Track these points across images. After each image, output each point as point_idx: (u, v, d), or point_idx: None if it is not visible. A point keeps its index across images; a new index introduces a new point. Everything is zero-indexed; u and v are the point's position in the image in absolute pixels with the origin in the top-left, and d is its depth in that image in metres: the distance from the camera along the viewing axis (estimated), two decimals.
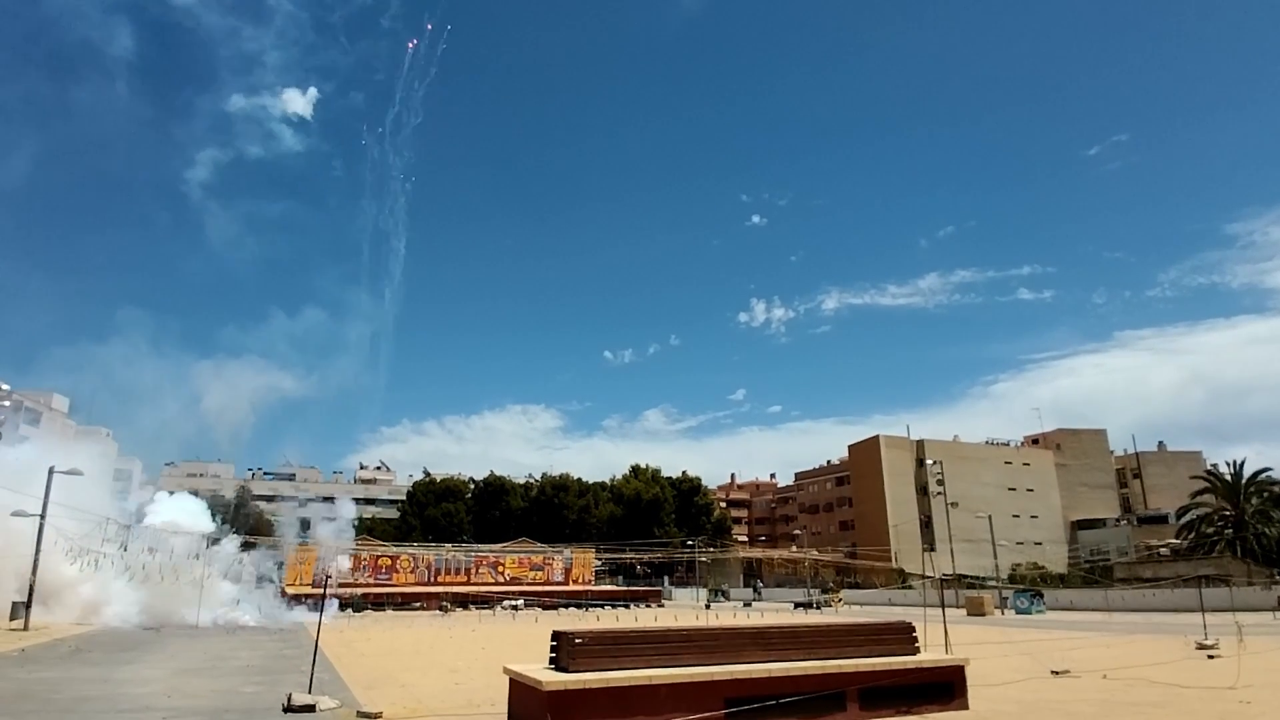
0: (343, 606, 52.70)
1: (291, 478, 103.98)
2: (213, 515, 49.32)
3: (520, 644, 23.97)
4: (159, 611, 36.87)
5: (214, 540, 44.40)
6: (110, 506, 40.65)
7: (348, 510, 64.23)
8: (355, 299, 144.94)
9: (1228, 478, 61.12)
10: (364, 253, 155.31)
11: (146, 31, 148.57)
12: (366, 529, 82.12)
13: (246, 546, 49.57)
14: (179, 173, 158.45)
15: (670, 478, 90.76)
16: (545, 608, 57.60)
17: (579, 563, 70.90)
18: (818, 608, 58.72)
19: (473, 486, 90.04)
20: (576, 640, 9.00)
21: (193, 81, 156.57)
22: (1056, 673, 14.51)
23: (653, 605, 66.53)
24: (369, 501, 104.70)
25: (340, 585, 58.12)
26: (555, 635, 9.42)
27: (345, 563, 60.71)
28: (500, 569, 67.92)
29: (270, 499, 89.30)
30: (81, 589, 36.15)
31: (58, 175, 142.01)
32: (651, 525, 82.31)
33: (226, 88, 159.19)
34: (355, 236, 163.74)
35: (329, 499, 74.14)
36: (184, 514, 45.40)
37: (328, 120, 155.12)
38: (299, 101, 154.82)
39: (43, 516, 31.99)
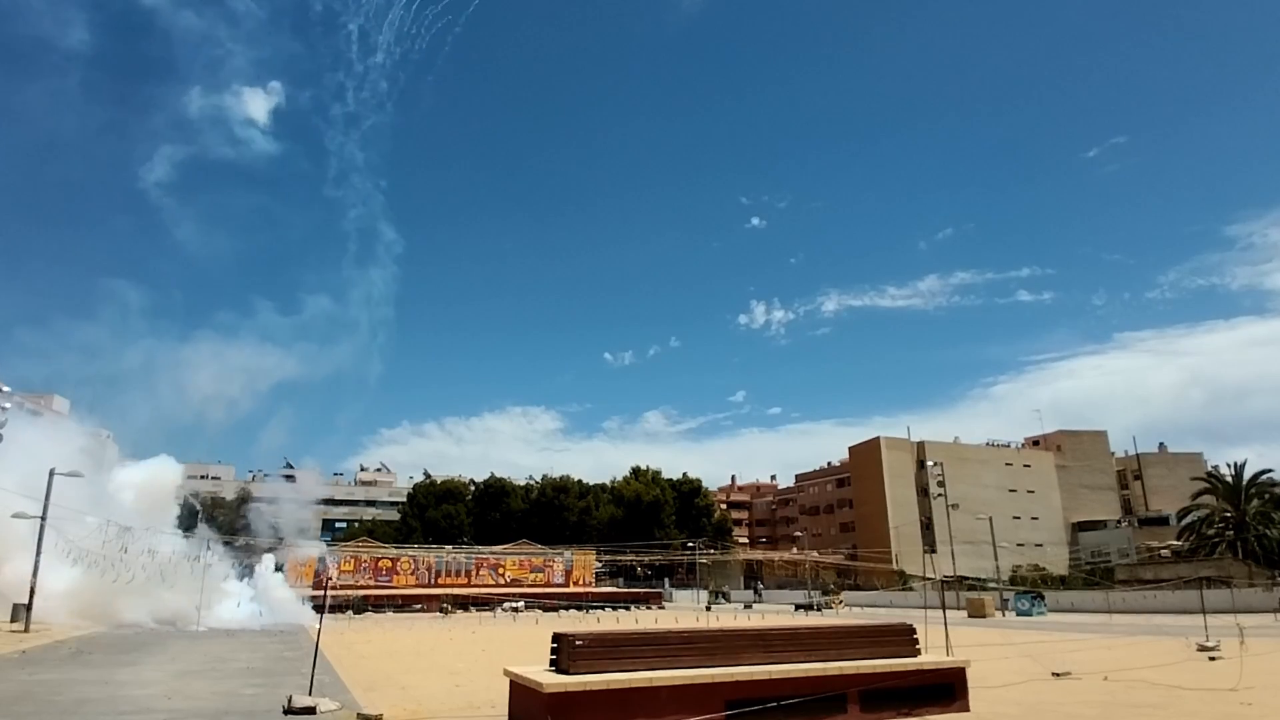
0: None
1: (292, 479, 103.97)
2: (184, 502, 48.39)
3: (520, 646, 23.96)
4: (96, 609, 34.74)
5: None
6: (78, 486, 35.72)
7: (313, 495, 63.39)
8: (348, 294, 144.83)
9: (1228, 479, 61.06)
10: (351, 247, 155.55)
11: (105, 25, 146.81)
12: (367, 531, 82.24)
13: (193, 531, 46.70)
14: (159, 170, 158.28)
15: (670, 479, 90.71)
16: (545, 610, 57.66)
17: (579, 565, 70.94)
18: (818, 609, 58.69)
19: (473, 488, 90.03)
20: (577, 642, 9.00)
21: (156, 77, 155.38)
22: (1057, 674, 14.51)
23: (653, 607, 66.51)
24: (370, 503, 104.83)
25: (340, 587, 58.08)
26: (555, 637, 9.41)
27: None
28: (500, 571, 67.94)
29: (270, 501, 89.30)
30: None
31: (18, 174, 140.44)
32: (652, 527, 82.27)
33: (193, 83, 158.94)
34: (343, 231, 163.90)
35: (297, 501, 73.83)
36: (142, 493, 42.77)
37: (300, 116, 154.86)
38: (262, 99, 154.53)
39: (43, 518, 31.98)
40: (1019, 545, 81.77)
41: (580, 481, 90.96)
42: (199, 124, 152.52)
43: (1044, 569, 75.11)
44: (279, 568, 57.84)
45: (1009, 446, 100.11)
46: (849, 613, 56.42)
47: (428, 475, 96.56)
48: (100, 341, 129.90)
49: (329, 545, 70.23)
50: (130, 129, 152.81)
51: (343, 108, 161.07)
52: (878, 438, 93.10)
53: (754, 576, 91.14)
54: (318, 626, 16.95)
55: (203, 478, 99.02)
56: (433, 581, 64.98)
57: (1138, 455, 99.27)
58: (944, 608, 27.85)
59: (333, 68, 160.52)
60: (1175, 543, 65.74)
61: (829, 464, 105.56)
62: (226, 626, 36.04)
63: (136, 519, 39.14)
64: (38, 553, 31.72)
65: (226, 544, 49.71)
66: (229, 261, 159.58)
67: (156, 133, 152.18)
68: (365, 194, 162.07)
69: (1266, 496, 59.06)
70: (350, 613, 52.32)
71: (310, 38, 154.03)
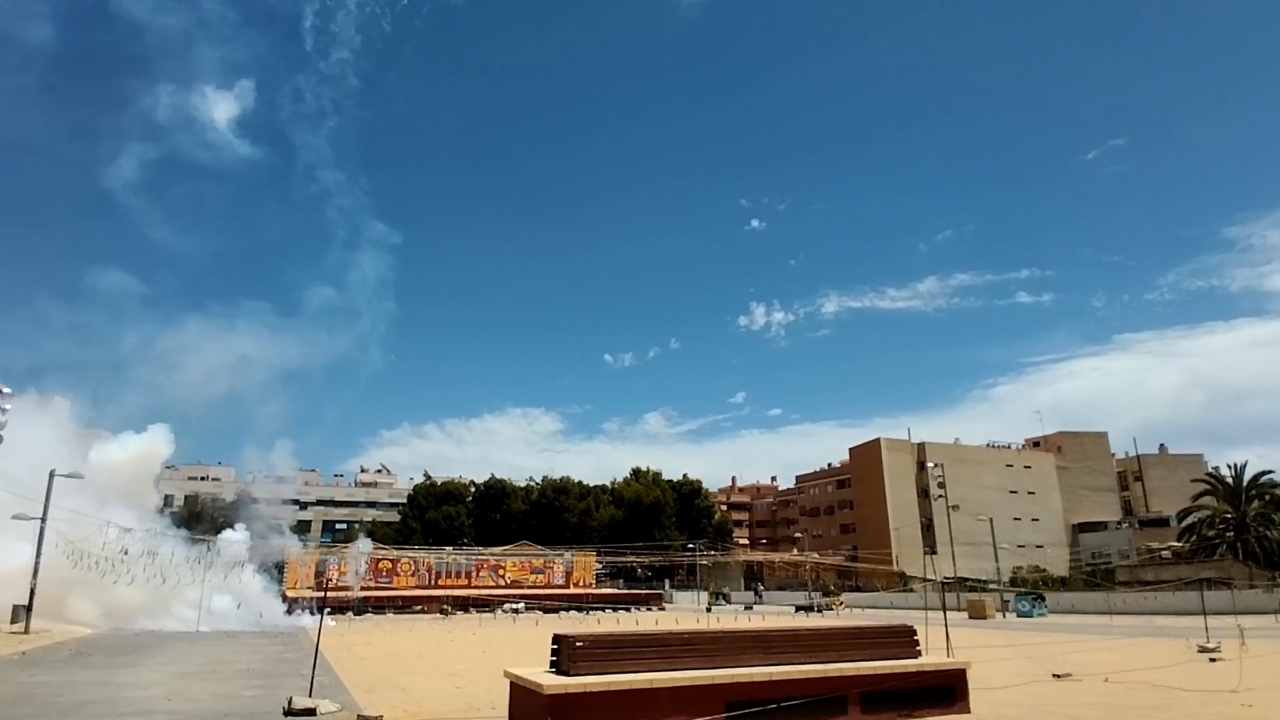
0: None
1: (287, 479, 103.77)
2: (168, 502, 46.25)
3: (521, 647, 23.94)
4: (43, 604, 31.55)
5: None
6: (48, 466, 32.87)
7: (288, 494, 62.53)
8: (347, 285, 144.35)
9: (1229, 480, 61.00)
10: (349, 241, 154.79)
11: (72, 21, 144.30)
12: (367, 532, 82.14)
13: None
14: (127, 170, 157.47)
15: (671, 481, 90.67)
16: (546, 611, 57.61)
17: (580, 566, 70.86)
18: (819, 611, 58.65)
19: (473, 489, 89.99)
20: (577, 644, 8.99)
21: (125, 75, 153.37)
22: (1058, 676, 14.50)
23: (653, 608, 66.53)
24: (370, 505, 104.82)
25: (340, 588, 57.98)
26: (556, 638, 9.41)
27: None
28: (501, 572, 67.88)
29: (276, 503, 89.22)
30: None
31: None
32: (652, 528, 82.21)
33: (164, 81, 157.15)
34: (340, 225, 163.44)
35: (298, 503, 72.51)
36: (121, 473, 39.99)
37: (290, 116, 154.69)
38: (239, 99, 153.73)
39: (43, 520, 31.93)
40: (1019, 547, 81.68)
41: (580, 483, 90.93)
42: (170, 123, 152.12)
43: (1044, 570, 75.04)
44: (280, 568, 58.00)
45: (1009, 448, 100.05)
46: (849, 614, 56.36)
47: (428, 476, 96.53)
48: (88, 333, 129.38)
49: (329, 547, 70.18)
50: (99, 127, 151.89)
51: (336, 108, 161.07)
52: (878, 439, 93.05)
53: (754, 578, 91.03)
54: (318, 628, 16.96)
55: (203, 479, 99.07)
56: (433, 583, 64.90)
57: (1138, 456, 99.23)
58: (944, 609, 27.84)
59: (327, 69, 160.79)
60: (1176, 544, 65.63)
61: (829, 465, 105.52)
62: (190, 628, 35.09)
63: (110, 502, 37.10)
64: (38, 554, 31.64)
65: (197, 541, 46.36)
66: (224, 257, 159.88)
67: (125, 131, 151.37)
68: (364, 193, 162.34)
69: (1267, 498, 58.99)
70: (350, 614, 52.24)
71: (303, 37, 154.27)
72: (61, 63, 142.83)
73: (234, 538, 47.30)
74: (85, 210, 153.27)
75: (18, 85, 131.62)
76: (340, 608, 52.44)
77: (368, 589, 60.94)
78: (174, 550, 40.59)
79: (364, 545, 59.40)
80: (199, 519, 65.34)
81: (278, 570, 56.89)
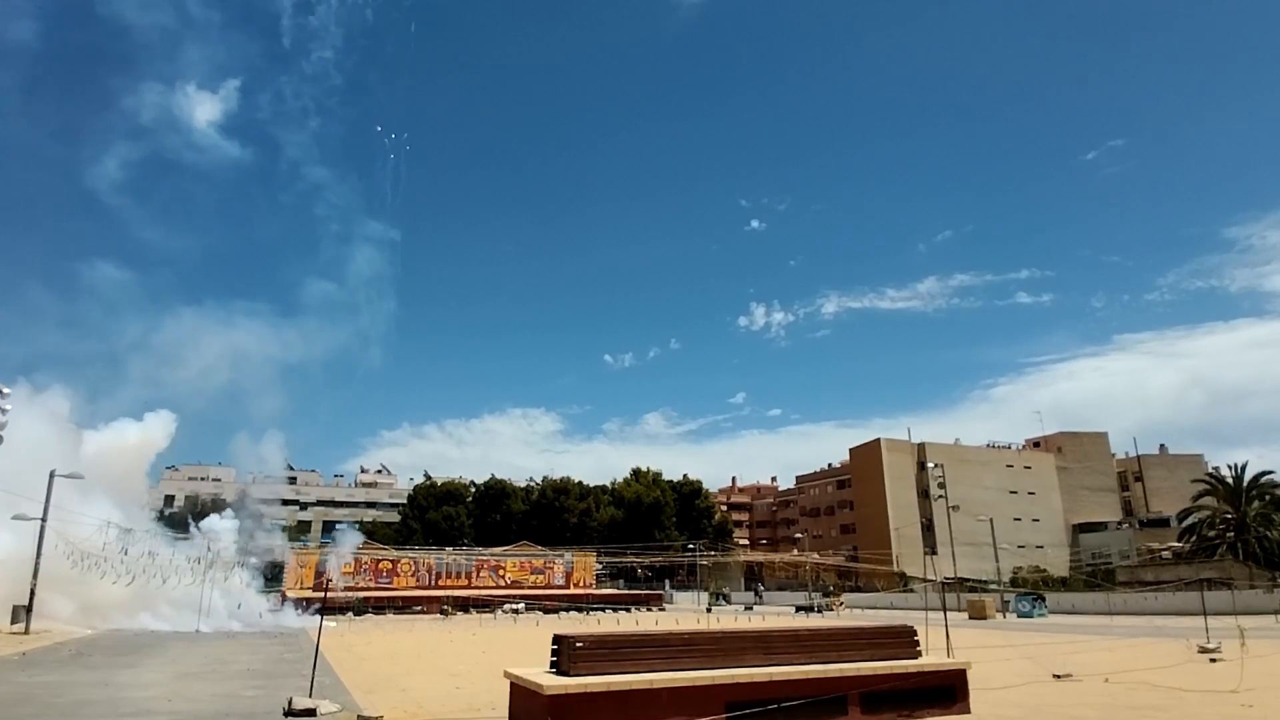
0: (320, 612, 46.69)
1: (293, 481, 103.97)
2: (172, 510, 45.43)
3: (521, 648, 23.95)
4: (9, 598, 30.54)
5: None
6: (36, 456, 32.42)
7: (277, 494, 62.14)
8: (347, 281, 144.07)
9: (1229, 481, 60.98)
10: (347, 237, 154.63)
11: (57, 18, 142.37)
12: (368, 532, 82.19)
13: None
14: (112, 170, 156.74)
15: (671, 481, 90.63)
16: (546, 611, 57.60)
17: (580, 566, 70.85)
18: (819, 611, 58.62)
19: (473, 490, 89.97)
20: (577, 644, 9.00)
21: (112, 73, 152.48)
22: (1058, 676, 14.50)
23: (654, 609, 66.50)
24: (370, 505, 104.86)
25: (341, 589, 57.99)
26: (556, 639, 9.41)
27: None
28: (501, 572, 67.86)
29: (270, 503, 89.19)
30: None
31: None
32: (652, 529, 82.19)
33: (152, 80, 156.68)
34: (339, 222, 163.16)
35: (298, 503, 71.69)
36: (114, 462, 38.86)
37: (258, 114, 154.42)
38: (214, 101, 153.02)
39: (44, 520, 31.93)
40: (1020, 547, 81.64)
41: (580, 483, 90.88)
42: (155, 123, 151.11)
43: (1045, 571, 75.02)
44: (278, 568, 57.99)
45: (1009, 448, 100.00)
46: (849, 614, 56.30)
47: (428, 477, 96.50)
48: (83, 328, 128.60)
49: (325, 548, 70.12)
50: (84, 127, 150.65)
51: (319, 107, 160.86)
52: (878, 439, 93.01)
53: (754, 578, 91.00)
54: (318, 628, 16.97)
55: (203, 479, 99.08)
56: (433, 583, 64.87)
57: (1138, 457, 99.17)
58: (944, 609, 27.81)
59: (309, 67, 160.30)
60: (1176, 544, 65.61)
61: (829, 466, 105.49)
62: (175, 627, 34.78)
63: (94, 493, 36.24)
64: (38, 555, 31.64)
65: (179, 538, 44.93)
66: (218, 255, 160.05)
67: (110, 131, 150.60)
68: (355, 193, 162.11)
69: (1267, 498, 58.97)
70: (350, 615, 52.22)
71: (290, 36, 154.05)
72: (45, 61, 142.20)
73: (220, 526, 45.88)
74: (71, 210, 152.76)
75: (0, 84, 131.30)
76: (336, 608, 52.28)
77: (367, 589, 60.97)
78: (174, 552, 40.60)
79: (351, 539, 59.19)
80: (199, 519, 65.28)
81: (270, 569, 56.82)
